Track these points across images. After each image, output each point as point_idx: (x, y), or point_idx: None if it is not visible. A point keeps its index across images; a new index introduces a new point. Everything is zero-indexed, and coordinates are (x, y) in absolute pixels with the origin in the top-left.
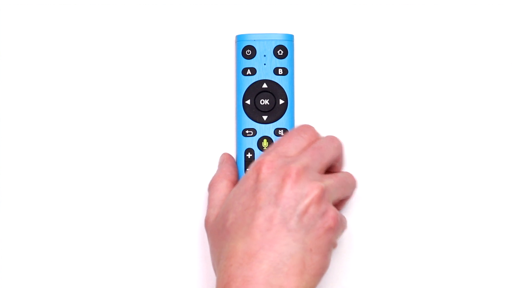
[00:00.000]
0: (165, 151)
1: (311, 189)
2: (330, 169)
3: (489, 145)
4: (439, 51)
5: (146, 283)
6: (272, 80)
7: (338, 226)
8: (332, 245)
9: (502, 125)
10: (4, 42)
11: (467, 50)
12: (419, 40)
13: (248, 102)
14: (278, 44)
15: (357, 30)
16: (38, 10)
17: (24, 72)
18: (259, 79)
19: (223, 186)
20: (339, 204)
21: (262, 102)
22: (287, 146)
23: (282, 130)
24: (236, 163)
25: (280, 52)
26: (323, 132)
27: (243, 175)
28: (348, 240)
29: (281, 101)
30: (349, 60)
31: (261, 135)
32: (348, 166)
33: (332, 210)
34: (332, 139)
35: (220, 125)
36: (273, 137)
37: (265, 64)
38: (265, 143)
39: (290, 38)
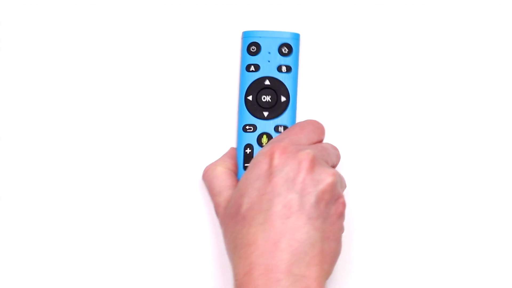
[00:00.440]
0: (166, 145)
1: (326, 175)
2: None
3: (489, 145)
4: (441, 48)
5: (146, 279)
6: (275, 77)
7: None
8: (342, 230)
9: (502, 124)
10: (4, 42)
11: (476, 53)
12: (425, 40)
13: (250, 98)
14: (283, 42)
15: (363, 31)
16: (38, 10)
17: (21, 72)
18: (262, 75)
19: (220, 172)
20: None
21: (264, 98)
22: (299, 136)
23: (282, 127)
24: (235, 155)
25: (284, 50)
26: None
27: (253, 160)
28: (347, 240)
29: (283, 98)
30: (353, 60)
31: (261, 131)
32: (349, 164)
33: (342, 196)
34: (335, 147)
35: (222, 120)
36: (273, 133)
37: (269, 61)
38: (264, 139)
39: (296, 36)
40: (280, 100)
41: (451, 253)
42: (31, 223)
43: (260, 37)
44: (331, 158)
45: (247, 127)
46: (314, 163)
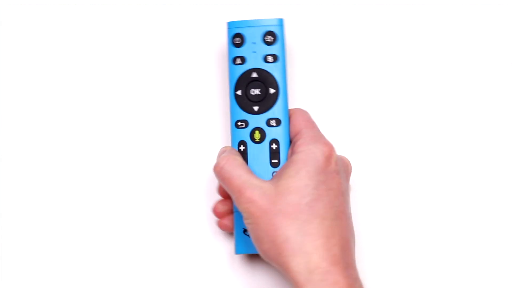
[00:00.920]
0: (161, 145)
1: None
2: None
3: (488, 145)
4: (431, 43)
5: (145, 278)
6: (262, 68)
7: None
8: None
9: (502, 124)
10: (4, 42)
11: (462, 48)
12: (413, 30)
13: (239, 92)
14: (266, 30)
15: (349, 14)
16: (38, 10)
17: (21, 72)
18: (249, 68)
19: (239, 164)
20: None
21: (253, 92)
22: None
23: (274, 121)
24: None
25: (269, 39)
26: (316, 120)
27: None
28: None
29: (272, 90)
30: (342, 45)
31: (254, 127)
32: (339, 152)
33: None
34: None
35: (216, 118)
36: (266, 128)
37: (254, 51)
38: (257, 134)
39: (280, 22)
40: (269, 92)
41: (451, 253)
42: (32, 223)
43: (243, 27)
44: None
45: (239, 123)
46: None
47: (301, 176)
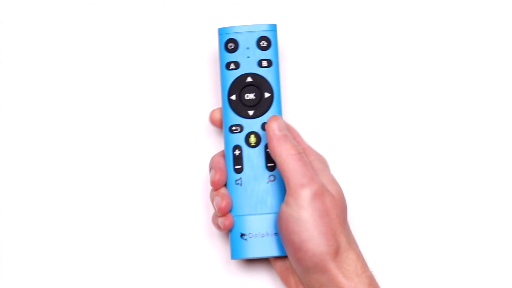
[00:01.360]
0: (156, 152)
1: None
2: None
3: (486, 147)
4: (425, 49)
5: (140, 284)
6: (257, 73)
7: None
8: None
9: (500, 126)
10: (4, 42)
11: (457, 56)
12: (405, 34)
13: (233, 97)
14: (261, 35)
15: (339, 18)
16: (38, 10)
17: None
18: (243, 72)
19: None
20: None
21: (247, 96)
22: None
23: None
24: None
25: (263, 44)
26: (310, 124)
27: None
28: None
29: (267, 94)
30: (333, 49)
31: (249, 131)
32: (334, 156)
33: None
34: None
35: (208, 122)
36: (261, 132)
37: (248, 57)
38: (252, 139)
39: (273, 28)
40: (264, 97)
41: (450, 253)
42: (31, 223)
43: (236, 32)
44: None
45: (234, 128)
46: None
47: None
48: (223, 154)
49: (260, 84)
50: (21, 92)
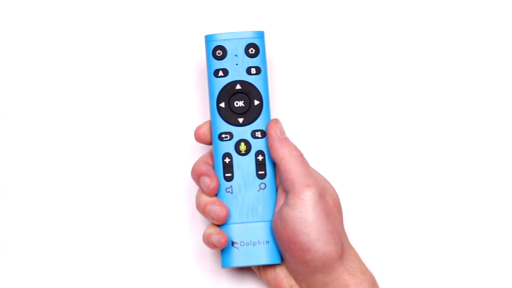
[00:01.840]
0: (143, 161)
1: None
2: None
3: (483, 145)
4: (418, 54)
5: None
6: (246, 80)
7: None
8: None
9: (493, 124)
10: (4, 42)
11: (442, 52)
12: (394, 41)
13: (222, 105)
14: (249, 42)
15: (328, 24)
16: (38, 10)
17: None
18: (232, 80)
19: None
20: None
21: (237, 104)
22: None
23: (259, 132)
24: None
25: (251, 51)
26: (300, 129)
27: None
28: None
29: (256, 102)
30: (321, 55)
31: (238, 139)
32: (323, 161)
33: None
34: None
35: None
36: (251, 139)
37: (237, 64)
38: (242, 146)
39: (261, 35)
40: (254, 104)
41: (450, 254)
42: (29, 223)
43: (224, 39)
44: None
45: (223, 136)
46: None
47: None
48: (205, 161)
49: (249, 92)
50: (14, 92)
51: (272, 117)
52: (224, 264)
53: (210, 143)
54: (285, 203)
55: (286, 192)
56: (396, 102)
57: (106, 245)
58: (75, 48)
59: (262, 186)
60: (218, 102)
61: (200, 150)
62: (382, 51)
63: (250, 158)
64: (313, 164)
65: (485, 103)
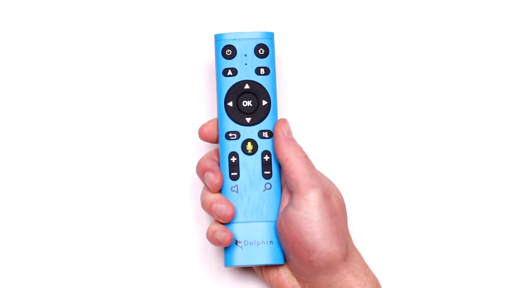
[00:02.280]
0: (149, 160)
1: None
2: None
3: (483, 145)
4: (422, 55)
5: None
6: (254, 80)
7: None
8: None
9: (493, 124)
10: (4, 42)
11: (452, 50)
12: (399, 41)
13: (230, 104)
14: (259, 43)
15: (336, 25)
16: (38, 10)
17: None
18: (241, 79)
19: None
20: None
21: (245, 103)
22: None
23: (266, 132)
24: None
25: (261, 51)
26: (307, 130)
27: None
28: None
29: (264, 102)
30: (329, 57)
31: (245, 138)
32: (331, 164)
33: None
34: None
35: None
36: (258, 139)
37: (246, 64)
38: (249, 146)
39: (271, 36)
40: (262, 104)
41: (454, 256)
42: (32, 218)
43: (234, 39)
44: None
45: (230, 135)
46: None
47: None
48: (211, 157)
49: (257, 92)
50: (15, 92)
51: (279, 117)
52: (227, 263)
53: (215, 142)
54: (290, 203)
55: (291, 192)
56: (404, 105)
57: (110, 242)
58: (83, 47)
59: (268, 186)
60: (226, 101)
61: (206, 148)
62: (391, 54)
63: (257, 158)
64: (319, 165)
65: (491, 103)
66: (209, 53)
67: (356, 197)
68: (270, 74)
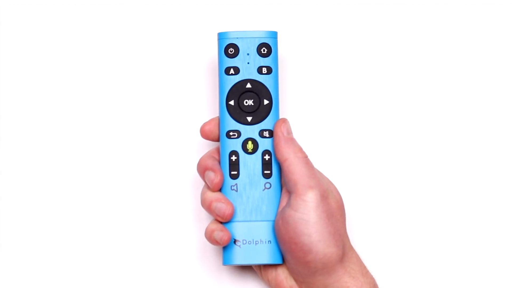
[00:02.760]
0: (150, 157)
1: None
2: None
3: (483, 146)
4: (424, 55)
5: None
6: (256, 79)
7: None
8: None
9: (492, 125)
10: (4, 42)
11: (454, 51)
12: (402, 41)
13: (231, 102)
14: (261, 42)
15: (339, 25)
16: (38, 10)
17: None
18: (243, 78)
19: None
20: None
21: (246, 102)
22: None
23: (267, 132)
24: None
25: (264, 50)
26: (308, 130)
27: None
28: None
29: (266, 102)
30: (332, 57)
31: (246, 137)
32: (332, 164)
33: None
34: None
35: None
36: (258, 138)
37: (248, 63)
38: (250, 145)
39: (274, 35)
40: (263, 104)
41: (452, 257)
42: (33, 218)
43: (237, 38)
44: None
45: (231, 133)
46: None
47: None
48: (211, 155)
49: (259, 91)
50: (17, 92)
51: (280, 117)
52: (225, 262)
53: (216, 140)
54: (288, 204)
55: (290, 193)
56: (406, 106)
57: (109, 240)
58: (85, 46)
59: (267, 185)
60: (228, 99)
61: (208, 147)
62: (394, 55)
63: (257, 157)
64: (319, 165)
65: (491, 103)
66: (212, 51)
67: (356, 197)
68: (272, 73)
